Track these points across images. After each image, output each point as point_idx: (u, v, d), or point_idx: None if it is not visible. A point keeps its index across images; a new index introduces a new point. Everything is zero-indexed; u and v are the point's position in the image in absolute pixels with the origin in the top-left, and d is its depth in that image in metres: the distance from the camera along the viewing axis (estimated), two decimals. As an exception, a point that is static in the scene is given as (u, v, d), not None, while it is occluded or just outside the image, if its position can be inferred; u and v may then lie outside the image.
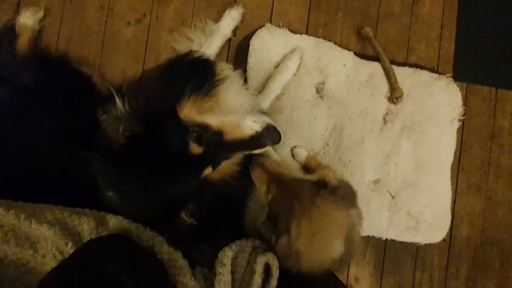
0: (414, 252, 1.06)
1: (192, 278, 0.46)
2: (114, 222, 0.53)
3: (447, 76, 1.06)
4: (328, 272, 0.70)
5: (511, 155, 1.11)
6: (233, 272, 0.49)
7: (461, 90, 1.05)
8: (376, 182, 1.02)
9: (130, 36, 1.04)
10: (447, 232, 1.03)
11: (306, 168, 0.95)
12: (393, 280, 1.06)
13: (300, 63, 0.97)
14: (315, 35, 1.04)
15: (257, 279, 0.47)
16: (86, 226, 0.54)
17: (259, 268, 0.48)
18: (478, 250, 1.08)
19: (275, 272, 0.49)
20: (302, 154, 0.95)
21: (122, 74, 1.02)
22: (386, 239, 1.03)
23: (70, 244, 0.52)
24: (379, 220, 1.00)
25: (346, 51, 1.02)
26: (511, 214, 1.09)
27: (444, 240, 1.03)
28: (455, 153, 1.05)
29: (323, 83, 1.00)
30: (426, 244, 1.03)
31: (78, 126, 0.76)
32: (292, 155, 0.96)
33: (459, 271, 1.07)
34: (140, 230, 0.52)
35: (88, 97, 0.85)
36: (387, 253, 1.05)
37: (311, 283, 0.59)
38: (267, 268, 0.50)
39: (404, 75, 1.03)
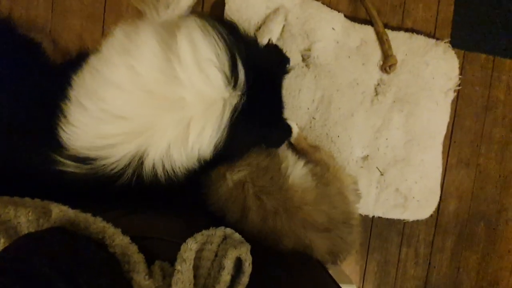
0: (400, 228, 1.01)
1: (147, 277, 0.38)
2: (58, 212, 0.44)
3: (444, 42, 0.95)
4: (315, 261, 0.63)
5: (503, 128, 1.03)
6: (197, 267, 0.41)
7: (458, 58, 0.95)
8: (365, 158, 0.93)
9: (85, -6, 0.87)
10: (435, 208, 0.99)
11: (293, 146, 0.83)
12: (379, 256, 1.02)
13: (284, 26, 0.85)
14: (301, -7, 0.90)
15: (225, 276, 0.39)
16: (24, 219, 0.44)
17: (228, 264, 0.40)
18: (465, 224, 1.04)
19: (248, 269, 0.41)
20: (293, 129, 0.82)
21: (79, 39, 0.87)
22: (373, 216, 0.98)
23: (2, 240, 0.42)
24: (366, 197, 0.92)
25: (335, 13, 0.87)
26: (500, 188, 1.04)
27: (431, 215, 0.98)
28: (447, 126, 0.97)
29: (310, 50, 0.88)
30: (413, 220, 1.00)
31: (22, 99, 0.64)
32: None
33: (445, 245, 1.04)
34: (88, 221, 0.43)
35: (36, 68, 0.73)
36: (374, 229, 1.01)
37: (290, 271, 0.52)
38: (238, 263, 0.43)
39: (399, 41, 0.90)
